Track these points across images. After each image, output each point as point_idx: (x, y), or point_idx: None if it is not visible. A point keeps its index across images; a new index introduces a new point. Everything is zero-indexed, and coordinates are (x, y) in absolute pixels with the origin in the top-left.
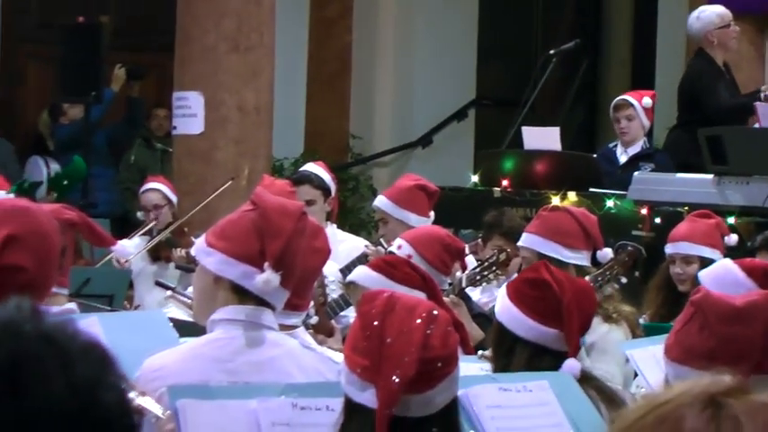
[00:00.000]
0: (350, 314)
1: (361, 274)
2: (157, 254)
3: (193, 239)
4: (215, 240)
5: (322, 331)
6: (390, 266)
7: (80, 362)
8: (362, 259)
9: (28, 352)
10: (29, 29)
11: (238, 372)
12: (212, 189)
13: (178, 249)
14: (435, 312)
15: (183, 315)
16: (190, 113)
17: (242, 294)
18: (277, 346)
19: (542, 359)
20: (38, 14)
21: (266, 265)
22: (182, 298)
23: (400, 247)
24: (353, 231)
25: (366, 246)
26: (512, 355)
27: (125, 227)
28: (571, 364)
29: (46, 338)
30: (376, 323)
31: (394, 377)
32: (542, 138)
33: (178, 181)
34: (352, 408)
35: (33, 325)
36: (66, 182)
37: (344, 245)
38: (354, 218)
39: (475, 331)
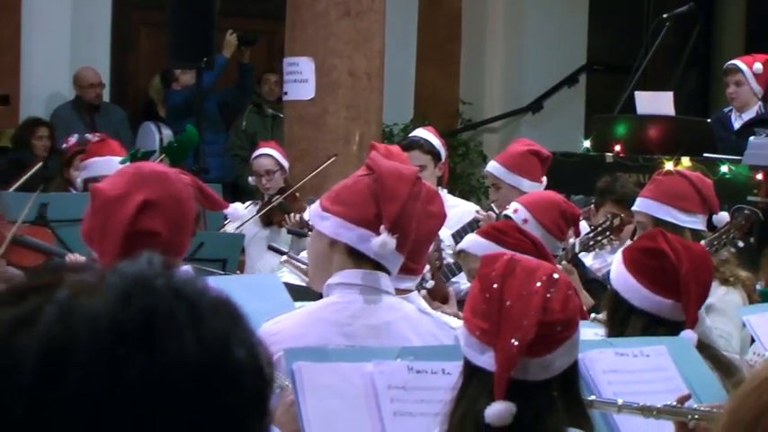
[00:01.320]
0: (461, 280)
1: (472, 241)
2: (269, 219)
3: (305, 204)
4: (330, 205)
5: (437, 296)
6: (500, 233)
7: (210, 317)
8: (473, 225)
9: (159, 307)
10: None
11: (356, 335)
12: (323, 154)
13: (290, 214)
14: (556, 276)
15: (296, 279)
16: (301, 79)
17: (358, 258)
18: (394, 310)
19: (657, 329)
20: None
21: (382, 228)
22: (296, 262)
23: (516, 210)
24: (463, 197)
25: (477, 211)
26: (626, 323)
27: (236, 193)
28: (688, 336)
29: (177, 294)
30: (495, 286)
31: (513, 340)
32: (655, 102)
33: (289, 146)
34: (471, 370)
35: (164, 280)
36: (178, 150)
37: (455, 210)
38: (464, 184)
39: (585, 298)
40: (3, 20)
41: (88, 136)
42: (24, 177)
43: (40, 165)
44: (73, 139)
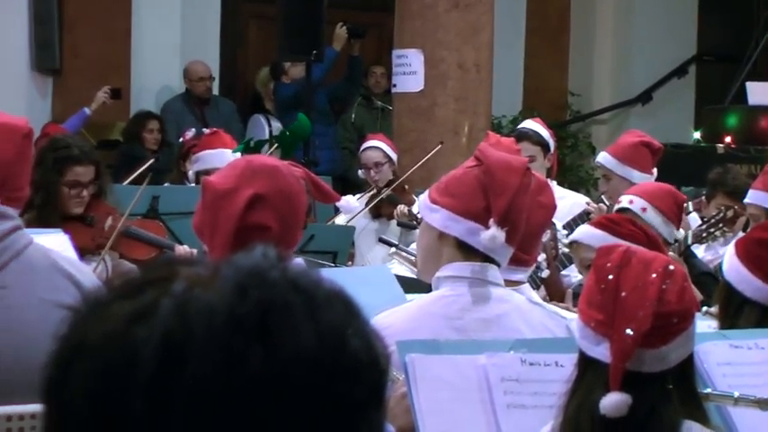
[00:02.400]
0: (570, 273)
1: (584, 232)
2: (379, 211)
3: (414, 197)
4: (439, 197)
5: (552, 286)
6: (614, 224)
7: (326, 309)
8: (584, 216)
9: (276, 299)
10: None
11: (467, 329)
12: (432, 146)
13: (399, 206)
14: (671, 267)
15: (406, 271)
16: (410, 71)
17: (467, 251)
18: (504, 302)
19: None
20: None
21: (491, 221)
22: (405, 254)
23: (632, 201)
24: (573, 189)
25: (587, 203)
26: (739, 315)
27: (345, 185)
28: None
29: (293, 286)
30: (611, 277)
31: (628, 331)
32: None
33: (398, 138)
34: (585, 362)
35: (280, 272)
36: (290, 140)
37: (564, 201)
38: (573, 175)
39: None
40: (115, 14)
41: (205, 130)
42: (139, 171)
43: (152, 160)
44: (190, 132)
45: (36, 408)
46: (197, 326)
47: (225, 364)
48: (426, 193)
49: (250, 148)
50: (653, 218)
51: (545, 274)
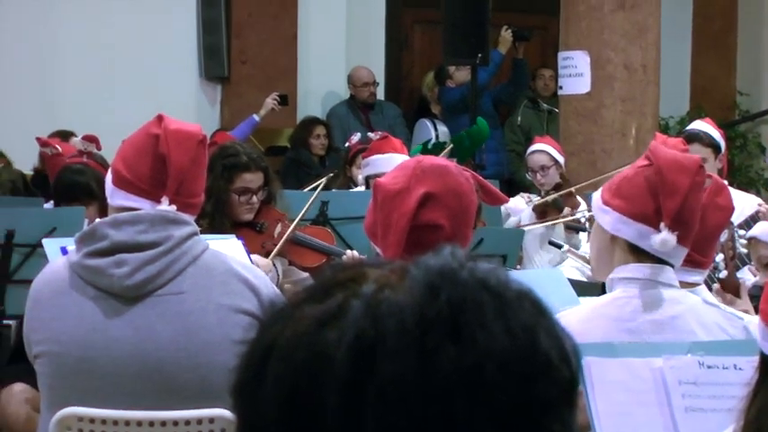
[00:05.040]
0: (744, 275)
1: (764, 229)
2: (545, 214)
3: (579, 200)
4: (610, 198)
5: (730, 287)
6: None
7: (516, 308)
8: (756, 217)
9: (466, 299)
10: None
11: (640, 331)
12: (600, 149)
13: (565, 210)
14: None
15: (577, 274)
16: (576, 73)
17: (639, 253)
18: (678, 304)
19: None
20: None
21: (662, 225)
22: (578, 254)
23: None
24: (742, 190)
25: (759, 204)
26: None
27: (511, 188)
28: None
29: (483, 285)
30: None
31: None
32: None
33: (565, 141)
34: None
35: (469, 272)
36: (468, 144)
37: (735, 203)
38: (743, 176)
39: None
40: (282, 21)
41: (370, 134)
42: (318, 182)
43: (331, 174)
44: (355, 137)
45: (212, 412)
46: (388, 327)
47: (418, 364)
48: (599, 192)
49: (428, 150)
50: None
51: (723, 274)
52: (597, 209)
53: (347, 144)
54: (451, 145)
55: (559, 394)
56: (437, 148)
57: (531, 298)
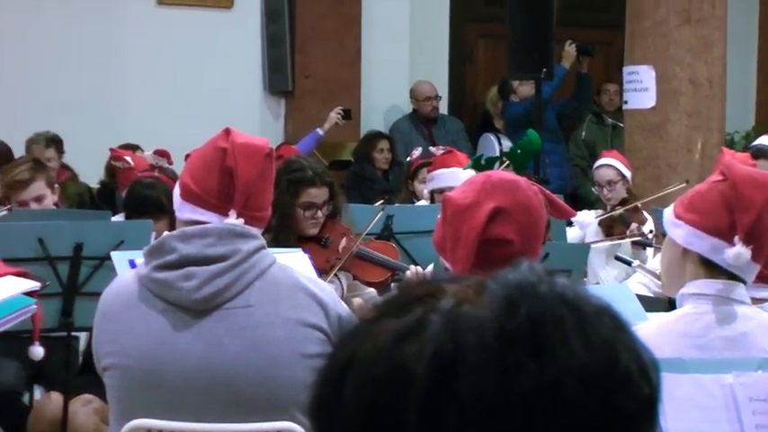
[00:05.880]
0: None
1: None
2: (611, 230)
3: (646, 215)
4: (683, 212)
5: None
6: None
7: (595, 322)
8: None
9: (546, 313)
10: (477, 7)
11: (710, 347)
12: (665, 163)
13: (632, 225)
14: None
15: (644, 290)
16: (641, 87)
17: (711, 268)
18: (749, 320)
19: None
20: None
21: (736, 239)
22: (647, 268)
23: None
24: None
25: None
26: None
27: (575, 203)
28: None
29: (562, 299)
30: None
31: None
32: None
33: (630, 155)
34: None
35: (548, 287)
36: (521, 156)
37: None
38: None
39: None
40: (345, 35)
41: (432, 149)
42: (380, 201)
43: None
44: (417, 151)
45: (280, 425)
46: (468, 341)
47: (498, 378)
48: (671, 207)
49: (481, 165)
50: None
51: None
52: (669, 223)
53: (408, 158)
54: (507, 161)
55: (640, 409)
56: (490, 163)
57: (610, 313)
